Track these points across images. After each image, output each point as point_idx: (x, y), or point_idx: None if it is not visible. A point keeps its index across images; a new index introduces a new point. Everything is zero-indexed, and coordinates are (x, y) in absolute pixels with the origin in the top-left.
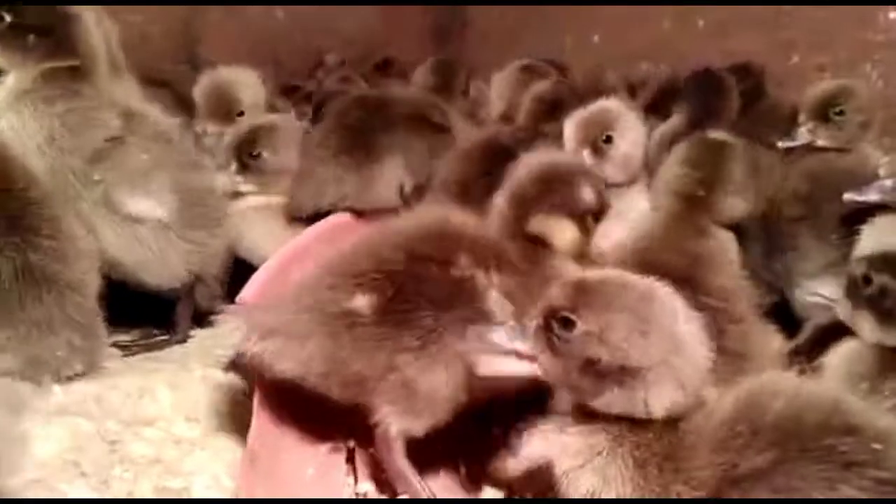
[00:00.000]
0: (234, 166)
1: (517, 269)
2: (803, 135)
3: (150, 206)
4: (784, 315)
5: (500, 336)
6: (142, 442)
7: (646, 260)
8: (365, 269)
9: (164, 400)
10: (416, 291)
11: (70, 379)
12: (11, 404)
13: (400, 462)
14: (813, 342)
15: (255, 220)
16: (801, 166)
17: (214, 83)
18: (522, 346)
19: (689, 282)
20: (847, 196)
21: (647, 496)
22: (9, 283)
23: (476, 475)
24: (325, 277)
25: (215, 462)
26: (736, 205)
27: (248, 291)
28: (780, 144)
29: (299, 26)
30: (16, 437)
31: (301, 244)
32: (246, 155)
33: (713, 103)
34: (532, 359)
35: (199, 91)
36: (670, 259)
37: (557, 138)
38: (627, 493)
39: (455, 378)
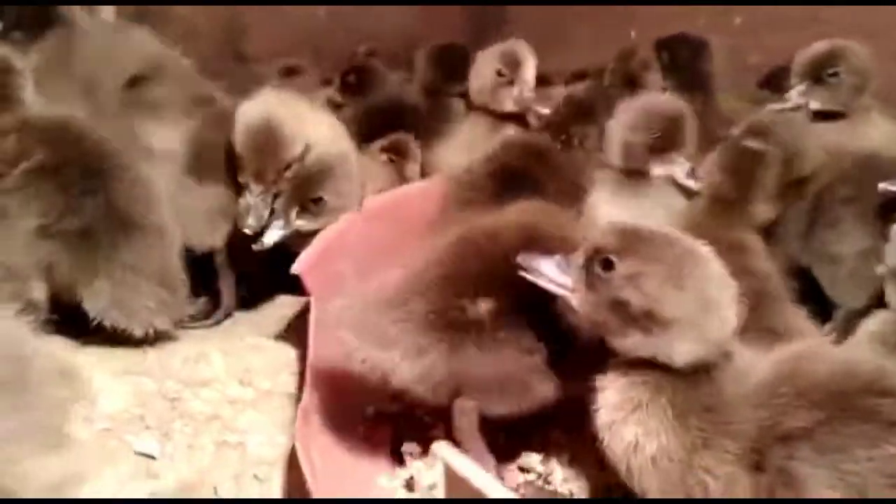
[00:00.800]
0: (294, 212)
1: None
2: (795, 97)
3: None
4: (816, 301)
5: (548, 265)
6: (199, 401)
7: None
8: (482, 274)
9: (218, 364)
10: (534, 294)
11: (149, 336)
12: (78, 365)
13: (473, 441)
14: (845, 327)
15: None
16: (856, 148)
17: (260, 136)
18: (564, 278)
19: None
20: (882, 186)
21: (687, 446)
22: (97, 224)
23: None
24: (433, 284)
25: (268, 421)
26: (766, 211)
27: (301, 264)
28: (770, 107)
29: (340, 24)
30: (86, 392)
31: (348, 221)
32: (307, 201)
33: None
34: (571, 290)
35: (244, 143)
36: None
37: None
38: (668, 443)
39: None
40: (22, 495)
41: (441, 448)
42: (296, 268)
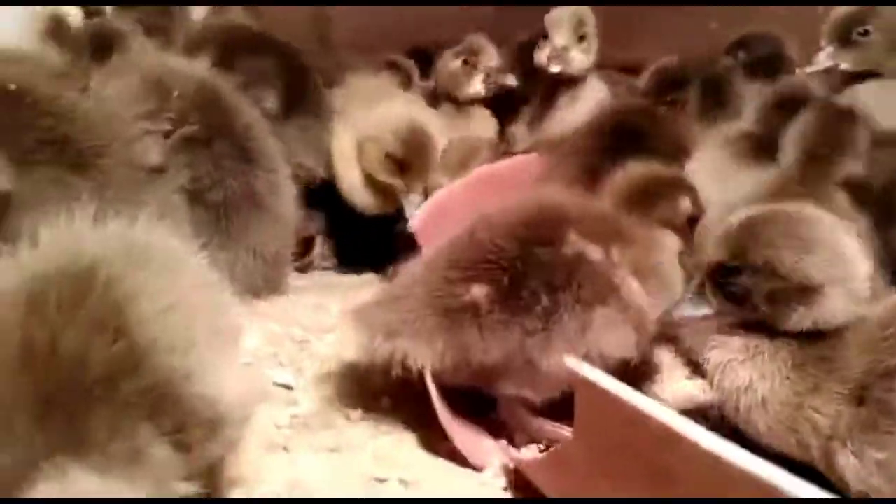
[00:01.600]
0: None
1: (633, 236)
2: (824, 59)
3: None
4: None
5: (686, 309)
6: (323, 343)
7: None
8: (476, 260)
9: (336, 314)
10: (529, 276)
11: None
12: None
13: (530, 423)
14: None
15: None
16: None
17: (426, 144)
18: (707, 310)
19: None
20: None
21: (800, 392)
22: (235, 202)
23: None
24: (438, 271)
25: None
26: (855, 167)
27: (416, 222)
28: (799, 71)
29: (421, 16)
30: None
31: (454, 187)
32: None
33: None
34: (716, 314)
35: (411, 149)
36: None
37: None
38: (780, 388)
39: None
40: (218, 405)
41: (572, 361)
42: (411, 225)
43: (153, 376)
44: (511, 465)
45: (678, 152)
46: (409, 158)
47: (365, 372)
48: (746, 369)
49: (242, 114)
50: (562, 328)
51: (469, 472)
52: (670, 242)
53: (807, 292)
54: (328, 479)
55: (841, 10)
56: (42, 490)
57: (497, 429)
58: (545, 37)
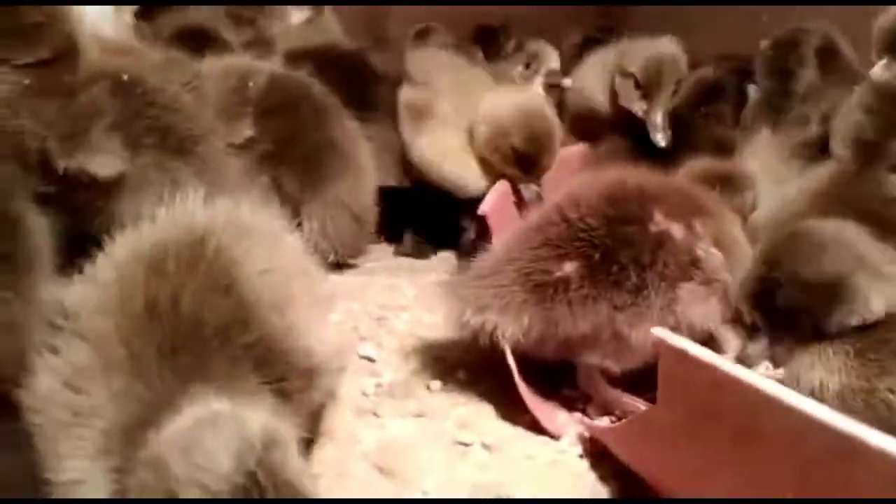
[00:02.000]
0: None
1: (712, 209)
2: (880, 73)
3: None
4: None
5: (753, 357)
6: (401, 321)
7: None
8: (567, 238)
9: (409, 294)
10: (618, 253)
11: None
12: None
13: (608, 393)
14: None
15: None
16: None
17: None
18: (766, 345)
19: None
20: None
21: (869, 378)
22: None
23: None
24: (529, 249)
25: None
26: None
27: (487, 207)
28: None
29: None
30: (324, 295)
31: None
32: None
33: None
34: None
35: (537, 141)
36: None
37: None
38: (850, 380)
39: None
40: (314, 356)
41: (659, 331)
42: (482, 209)
43: (259, 330)
44: (587, 435)
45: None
46: (536, 154)
47: (442, 347)
48: (816, 371)
49: (314, 87)
50: (650, 303)
51: (546, 440)
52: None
53: (835, 289)
54: (415, 441)
55: (888, 17)
56: (189, 413)
57: (571, 403)
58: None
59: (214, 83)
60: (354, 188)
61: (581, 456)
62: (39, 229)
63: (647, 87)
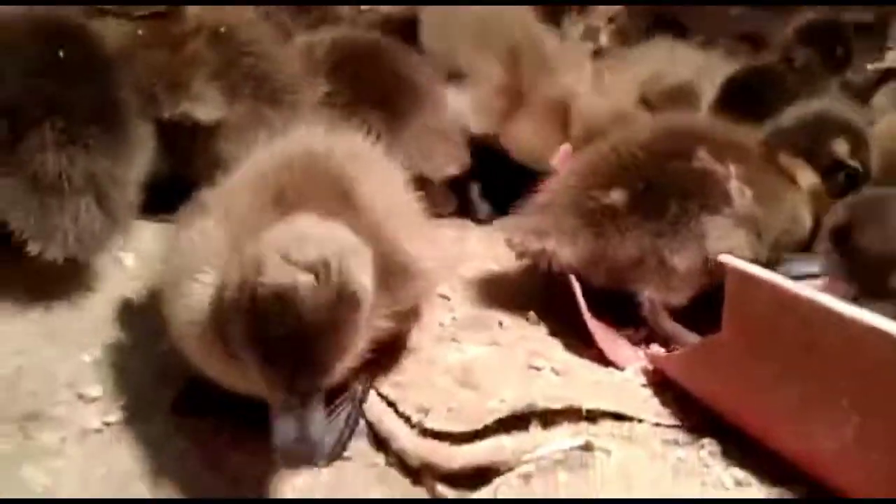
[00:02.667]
0: None
1: (755, 160)
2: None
3: None
4: None
5: (798, 267)
6: (469, 266)
7: None
8: (616, 167)
9: (478, 247)
10: (662, 185)
11: None
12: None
13: (669, 325)
14: None
15: None
16: None
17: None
18: (818, 268)
19: None
20: None
21: None
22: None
23: None
24: (581, 178)
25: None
26: None
27: (555, 163)
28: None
29: None
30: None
31: None
32: None
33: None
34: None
35: None
36: None
37: None
38: None
39: (700, 258)
40: (416, 260)
41: (724, 256)
42: (553, 165)
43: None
44: (650, 367)
45: None
46: None
47: (511, 292)
48: None
49: (379, 39)
50: (689, 232)
51: (612, 370)
52: (803, 176)
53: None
54: (492, 365)
55: None
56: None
57: (635, 339)
58: None
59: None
60: (434, 113)
61: (644, 385)
62: (147, 138)
63: None
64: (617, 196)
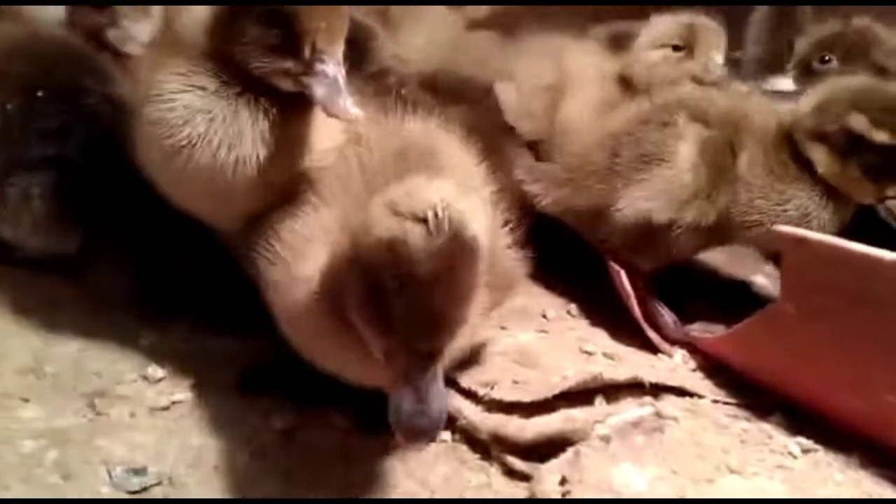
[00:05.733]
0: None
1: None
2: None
3: None
4: None
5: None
6: None
7: None
8: None
9: None
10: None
11: None
12: None
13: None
14: None
15: None
16: None
17: None
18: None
19: None
20: None
21: None
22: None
23: None
24: None
25: None
26: None
27: None
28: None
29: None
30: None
31: None
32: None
33: None
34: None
35: None
36: None
37: None
38: None
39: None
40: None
41: (781, 227)
42: None
43: None
44: (695, 353)
45: None
46: None
47: (551, 285)
48: None
49: None
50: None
51: (660, 356)
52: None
53: None
54: (546, 348)
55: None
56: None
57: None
58: None
59: None
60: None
61: (693, 370)
62: None
63: None
64: None
